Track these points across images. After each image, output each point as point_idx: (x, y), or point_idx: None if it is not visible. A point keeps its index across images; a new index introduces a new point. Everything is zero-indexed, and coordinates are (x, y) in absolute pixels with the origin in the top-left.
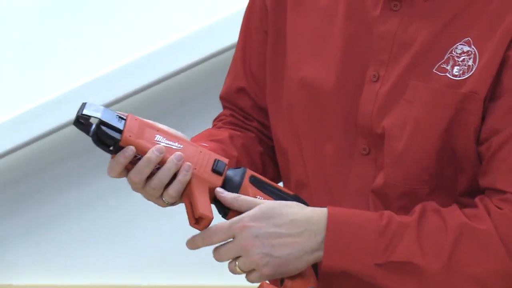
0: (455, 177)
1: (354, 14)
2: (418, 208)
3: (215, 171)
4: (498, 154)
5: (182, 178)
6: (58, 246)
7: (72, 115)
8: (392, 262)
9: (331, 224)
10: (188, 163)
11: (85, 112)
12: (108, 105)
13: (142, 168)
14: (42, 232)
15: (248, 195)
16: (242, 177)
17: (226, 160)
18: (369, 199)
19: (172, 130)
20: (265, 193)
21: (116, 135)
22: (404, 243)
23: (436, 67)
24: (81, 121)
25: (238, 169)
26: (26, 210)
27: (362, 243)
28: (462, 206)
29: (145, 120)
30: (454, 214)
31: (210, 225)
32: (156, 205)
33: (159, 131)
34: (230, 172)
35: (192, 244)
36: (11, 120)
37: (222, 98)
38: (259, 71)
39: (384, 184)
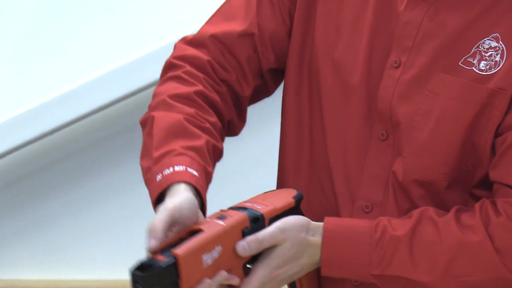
0: (473, 171)
1: (384, 0)
2: (415, 216)
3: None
4: None
5: None
6: (60, 243)
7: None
8: (387, 275)
9: (326, 242)
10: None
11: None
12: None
13: None
14: (43, 230)
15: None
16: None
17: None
18: (387, 184)
19: (206, 222)
20: None
21: None
22: (396, 259)
23: (462, 60)
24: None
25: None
26: (28, 208)
27: (357, 259)
28: (474, 198)
29: (191, 245)
30: (451, 230)
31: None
32: None
33: (203, 249)
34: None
35: None
36: (11, 120)
37: (213, 37)
38: (269, 24)
39: (403, 172)
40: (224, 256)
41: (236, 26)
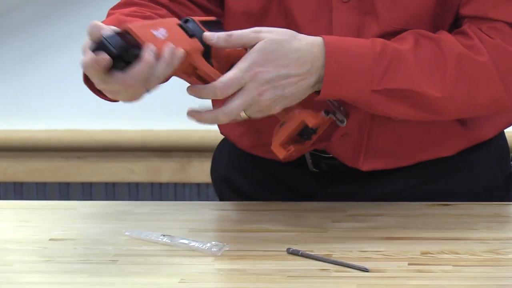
0: (443, 16)
1: None
2: (411, 35)
3: (191, 35)
4: None
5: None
6: (11, 93)
7: None
8: (390, 89)
9: (330, 53)
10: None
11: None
12: None
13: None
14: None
15: None
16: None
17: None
18: None
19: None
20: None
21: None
22: (402, 71)
23: None
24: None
25: (190, 23)
26: None
27: (359, 72)
28: None
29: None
30: (452, 44)
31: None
32: None
33: (150, 25)
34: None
35: (197, 93)
36: None
37: None
38: None
39: (378, 31)
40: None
41: None
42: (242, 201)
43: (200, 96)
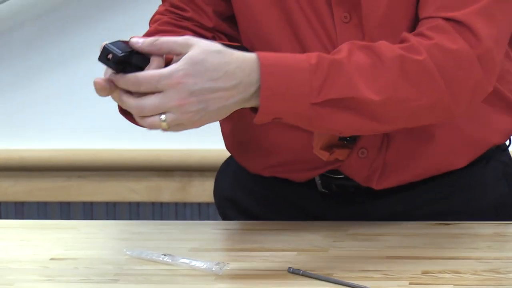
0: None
1: None
2: (345, 45)
3: None
4: None
5: None
6: (10, 112)
7: None
8: (330, 99)
9: (265, 68)
10: None
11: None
12: None
13: None
14: None
15: None
16: None
17: None
18: None
19: None
20: None
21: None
22: (340, 79)
23: None
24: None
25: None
26: None
27: (297, 85)
28: None
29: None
30: (387, 48)
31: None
32: None
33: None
34: None
35: (116, 80)
36: None
37: None
38: None
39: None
40: None
41: None
42: (247, 220)
43: (117, 84)
